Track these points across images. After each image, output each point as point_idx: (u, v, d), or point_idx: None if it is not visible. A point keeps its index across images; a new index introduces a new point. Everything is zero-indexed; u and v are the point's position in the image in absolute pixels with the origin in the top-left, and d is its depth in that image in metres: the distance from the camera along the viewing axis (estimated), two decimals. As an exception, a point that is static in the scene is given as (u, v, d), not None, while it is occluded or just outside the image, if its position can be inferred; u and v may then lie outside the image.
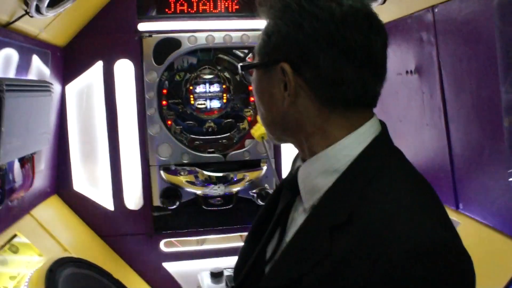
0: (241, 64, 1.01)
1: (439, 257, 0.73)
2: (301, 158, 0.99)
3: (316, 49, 0.84)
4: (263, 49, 0.92)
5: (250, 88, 3.06)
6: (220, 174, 3.02)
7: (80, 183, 3.08)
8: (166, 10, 3.03)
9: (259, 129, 2.75)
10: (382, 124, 0.94)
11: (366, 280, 0.74)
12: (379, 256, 0.74)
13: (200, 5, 3.03)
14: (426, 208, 0.81)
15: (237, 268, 1.09)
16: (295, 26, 0.85)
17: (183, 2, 3.02)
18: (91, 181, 3.10)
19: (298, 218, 0.95)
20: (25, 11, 2.05)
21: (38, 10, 2.07)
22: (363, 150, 0.87)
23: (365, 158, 0.87)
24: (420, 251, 0.73)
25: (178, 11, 3.03)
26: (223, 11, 3.06)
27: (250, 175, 3.07)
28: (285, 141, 1.01)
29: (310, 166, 0.92)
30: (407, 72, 2.43)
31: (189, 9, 3.03)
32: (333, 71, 0.85)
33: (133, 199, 3.14)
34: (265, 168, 3.08)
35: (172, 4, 3.02)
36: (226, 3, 3.06)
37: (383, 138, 0.91)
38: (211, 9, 3.05)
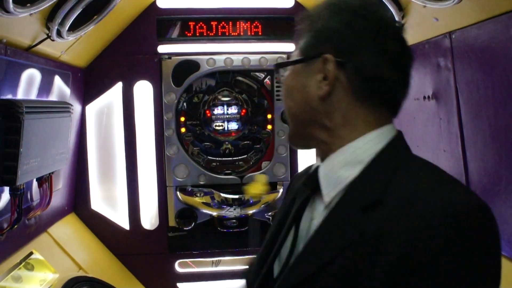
0: (280, 61, 1.10)
1: (476, 218, 0.80)
2: (321, 158, 1.03)
3: (362, 45, 0.95)
4: (309, 43, 1.01)
5: (269, 115, 3.10)
6: (236, 196, 3.04)
7: (98, 202, 3.13)
8: (186, 32, 3.10)
9: (255, 188, 2.80)
10: (400, 131, 1.02)
11: (407, 250, 0.78)
12: (418, 224, 0.79)
13: (219, 28, 3.09)
14: (455, 182, 0.88)
15: (251, 270, 1.10)
16: (344, 23, 0.96)
17: (203, 25, 3.09)
18: (108, 200, 3.15)
19: (317, 215, 0.98)
20: (47, 35, 2.12)
21: (59, 34, 2.15)
22: (387, 144, 0.95)
23: (389, 150, 0.94)
24: (458, 213, 0.79)
25: (197, 34, 3.10)
26: (242, 34, 3.11)
27: (266, 198, 3.07)
28: (308, 141, 1.04)
29: (335, 159, 0.97)
30: (424, 97, 2.42)
31: (209, 32, 3.09)
32: (374, 67, 0.94)
33: (149, 219, 3.18)
34: (281, 190, 3.09)
35: (192, 27, 3.09)
36: (245, 26, 3.11)
37: (401, 139, 0.99)
38: (230, 32, 3.10)
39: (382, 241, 0.81)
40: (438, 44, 2.25)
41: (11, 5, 1.60)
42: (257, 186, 2.87)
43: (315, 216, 0.99)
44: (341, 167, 0.95)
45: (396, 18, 2.26)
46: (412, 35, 2.41)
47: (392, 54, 0.95)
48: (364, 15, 0.96)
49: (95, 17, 2.39)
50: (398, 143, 0.97)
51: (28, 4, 1.75)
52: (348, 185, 0.93)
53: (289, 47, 3.13)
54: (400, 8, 2.25)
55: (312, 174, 1.02)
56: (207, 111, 3.16)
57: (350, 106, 0.96)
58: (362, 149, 0.95)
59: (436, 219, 0.78)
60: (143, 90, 3.12)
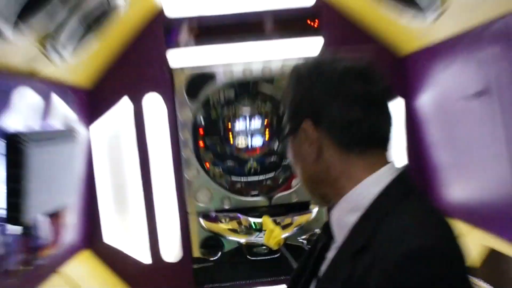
0: (279, 137, 1.40)
1: (424, 260, 0.98)
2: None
3: (327, 101, 1.18)
4: (289, 117, 1.27)
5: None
6: (266, 220, 3.05)
7: (114, 236, 3.19)
8: (198, 39, 3.07)
9: (273, 238, 2.75)
10: (406, 167, 1.23)
11: (377, 283, 1.00)
12: (383, 262, 1.01)
13: (234, 31, 3.07)
14: (426, 227, 1.07)
15: None
16: (308, 88, 1.21)
17: (216, 30, 3.08)
18: (125, 232, 3.21)
19: (332, 251, 1.25)
20: (47, 58, 2.20)
21: (60, 56, 2.23)
22: (383, 189, 1.16)
23: (384, 196, 1.15)
24: (411, 254, 0.98)
25: (210, 39, 3.07)
26: (258, 35, 3.08)
27: (298, 219, 3.08)
28: (323, 198, 1.29)
29: (340, 207, 1.22)
30: (470, 96, 2.40)
31: (223, 36, 3.06)
32: (343, 116, 1.16)
33: (171, 251, 3.23)
34: (315, 210, 3.10)
35: (204, 33, 3.07)
36: (262, 27, 3.06)
37: (401, 179, 1.18)
38: (247, 35, 3.07)
39: (364, 278, 1.03)
40: (481, 34, 2.21)
41: (9, 32, 1.69)
42: (275, 235, 2.85)
43: (331, 253, 1.25)
44: (346, 213, 1.18)
45: (431, 9, 2.27)
46: (452, 26, 2.40)
47: (360, 96, 1.16)
48: (321, 75, 1.19)
49: (97, 33, 2.46)
50: (397, 183, 1.17)
51: (27, 30, 1.83)
52: (350, 230, 1.16)
53: (313, 48, 3.14)
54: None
55: (327, 221, 1.29)
56: (228, 126, 3.20)
57: (341, 158, 1.19)
58: (361, 195, 1.16)
59: (393, 259, 0.99)
60: (154, 106, 3.17)
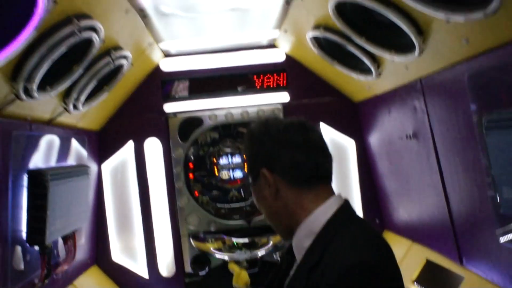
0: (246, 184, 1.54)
1: (362, 273, 1.12)
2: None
3: (277, 151, 1.35)
4: (249, 169, 1.42)
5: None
6: (246, 240, 3.29)
7: (118, 254, 3.41)
8: (188, 92, 3.43)
9: (241, 279, 3.00)
10: (346, 199, 1.38)
11: None
12: (330, 274, 1.15)
13: (219, 85, 3.43)
14: (365, 246, 1.21)
15: None
16: (261, 144, 1.37)
17: (203, 84, 3.43)
18: (127, 251, 3.43)
19: (294, 268, 1.38)
20: (65, 108, 2.45)
21: (75, 107, 2.48)
22: (330, 217, 1.31)
23: (331, 222, 1.30)
24: (350, 268, 1.12)
25: (199, 92, 3.44)
26: (239, 89, 3.44)
27: (273, 239, 3.32)
28: (286, 229, 1.39)
29: (298, 234, 1.34)
30: (407, 136, 2.68)
31: (209, 90, 3.44)
32: (291, 161, 1.33)
33: (166, 267, 3.44)
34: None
35: (193, 86, 3.43)
36: (242, 82, 3.43)
37: (344, 208, 1.34)
38: (229, 88, 3.44)
39: None
40: (412, 88, 2.52)
41: (35, 93, 1.93)
42: (241, 277, 3.12)
43: (293, 270, 1.38)
44: (303, 238, 1.31)
45: (372, 70, 2.56)
46: (390, 82, 2.70)
47: (300, 143, 1.33)
48: (268, 132, 1.36)
49: (106, 87, 2.72)
50: (341, 212, 1.31)
51: (48, 87, 2.08)
52: (306, 251, 1.29)
53: (283, 96, 3.45)
54: (375, 60, 2.53)
55: (290, 245, 1.40)
56: (213, 162, 3.45)
57: (294, 194, 1.34)
58: (314, 223, 1.30)
59: (335, 273, 1.13)
60: (153, 147, 3.45)
